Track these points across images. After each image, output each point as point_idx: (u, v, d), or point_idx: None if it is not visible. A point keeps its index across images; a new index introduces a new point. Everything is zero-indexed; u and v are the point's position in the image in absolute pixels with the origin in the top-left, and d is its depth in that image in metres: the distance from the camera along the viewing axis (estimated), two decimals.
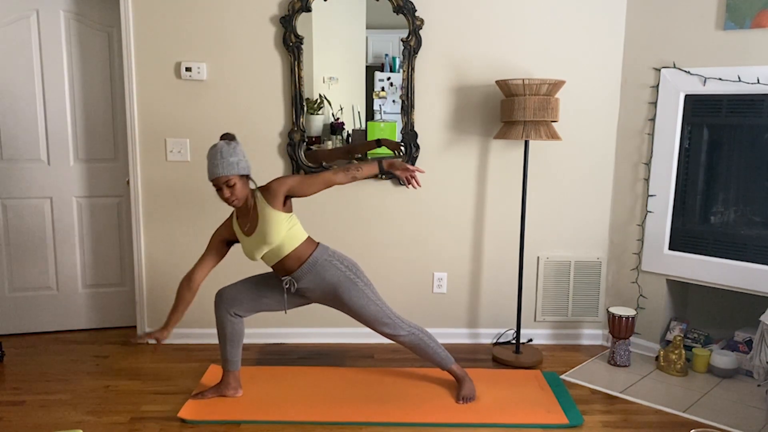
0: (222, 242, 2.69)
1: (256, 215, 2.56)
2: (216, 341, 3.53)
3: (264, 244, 2.56)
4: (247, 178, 2.55)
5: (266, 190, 2.55)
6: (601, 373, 3.17)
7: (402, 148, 2.56)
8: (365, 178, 2.64)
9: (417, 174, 2.63)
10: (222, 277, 3.45)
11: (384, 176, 3.38)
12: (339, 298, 2.69)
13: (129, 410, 2.71)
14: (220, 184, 2.47)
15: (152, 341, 2.66)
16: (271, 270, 2.80)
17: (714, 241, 3.16)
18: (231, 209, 3.18)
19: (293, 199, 2.68)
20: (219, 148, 2.48)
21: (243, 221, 2.61)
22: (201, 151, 3.40)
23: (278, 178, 2.56)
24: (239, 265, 3.35)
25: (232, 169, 2.46)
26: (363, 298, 2.69)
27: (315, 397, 2.83)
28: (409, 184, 2.63)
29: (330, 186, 2.56)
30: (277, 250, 2.59)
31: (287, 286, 2.70)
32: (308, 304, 2.83)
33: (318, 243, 2.70)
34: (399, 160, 2.60)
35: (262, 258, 2.64)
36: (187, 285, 2.65)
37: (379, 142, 2.67)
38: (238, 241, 2.69)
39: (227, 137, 2.55)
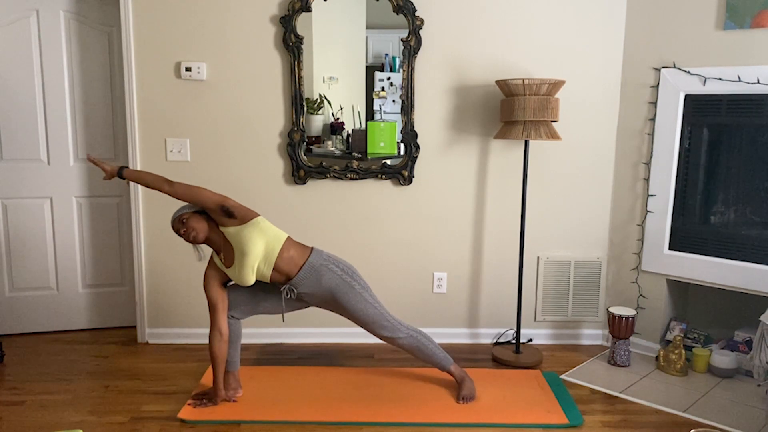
0: (219, 286, 2.69)
1: (228, 242, 2.60)
2: None
3: (247, 257, 2.55)
4: (204, 215, 2.61)
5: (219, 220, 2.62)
6: (601, 373, 3.17)
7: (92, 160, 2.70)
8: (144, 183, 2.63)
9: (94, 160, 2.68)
10: None
11: (384, 176, 3.40)
12: (337, 301, 2.69)
13: (129, 410, 2.72)
14: (177, 227, 2.59)
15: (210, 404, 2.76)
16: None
17: (714, 241, 3.16)
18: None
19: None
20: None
21: (224, 254, 2.63)
22: (201, 151, 3.40)
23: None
24: None
25: (181, 210, 2.61)
26: (361, 302, 2.68)
27: (315, 397, 2.83)
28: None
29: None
30: (268, 255, 2.58)
31: (288, 296, 2.70)
32: (306, 307, 2.83)
33: (312, 248, 2.71)
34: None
35: (258, 275, 2.62)
36: (221, 338, 2.66)
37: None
38: (230, 279, 2.70)
39: None
